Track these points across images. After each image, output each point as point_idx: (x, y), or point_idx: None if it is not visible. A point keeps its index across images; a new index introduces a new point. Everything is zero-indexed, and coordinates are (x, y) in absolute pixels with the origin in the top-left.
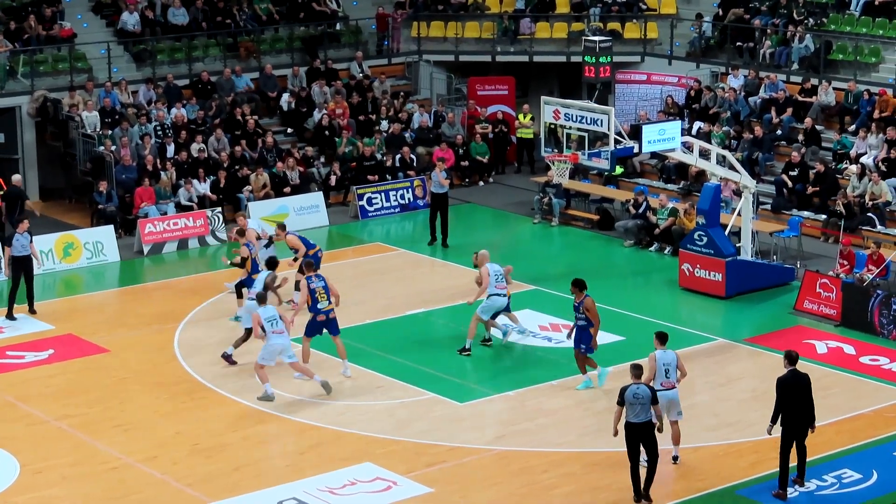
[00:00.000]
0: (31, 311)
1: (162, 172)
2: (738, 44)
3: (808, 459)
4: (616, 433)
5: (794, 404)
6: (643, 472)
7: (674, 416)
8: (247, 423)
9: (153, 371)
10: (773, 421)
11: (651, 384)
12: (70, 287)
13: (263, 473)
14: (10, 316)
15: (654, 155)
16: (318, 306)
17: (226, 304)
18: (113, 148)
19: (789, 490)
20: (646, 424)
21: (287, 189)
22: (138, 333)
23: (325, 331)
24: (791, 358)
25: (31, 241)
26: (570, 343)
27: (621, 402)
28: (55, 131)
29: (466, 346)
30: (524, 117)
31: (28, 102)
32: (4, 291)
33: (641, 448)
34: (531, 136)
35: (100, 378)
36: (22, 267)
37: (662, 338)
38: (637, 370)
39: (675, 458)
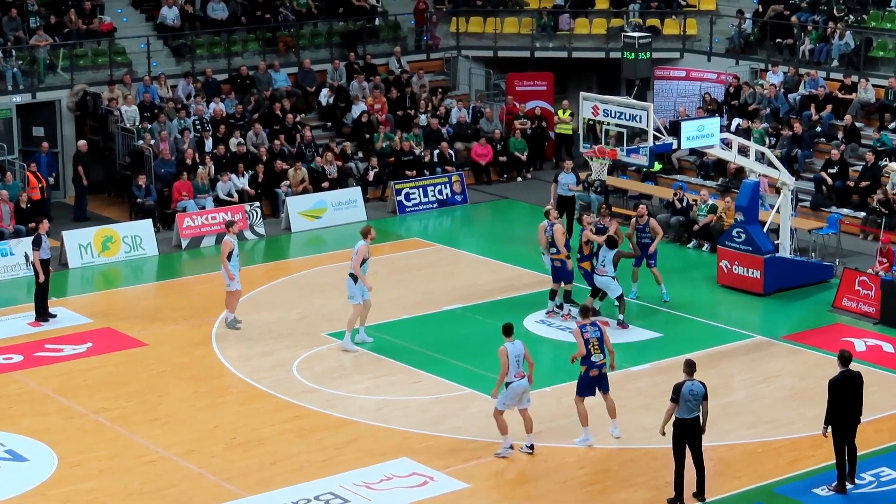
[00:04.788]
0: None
1: (200, 167)
2: (778, 40)
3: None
4: (664, 432)
5: (846, 405)
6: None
7: (524, 405)
8: (284, 418)
9: (191, 365)
10: (827, 423)
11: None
12: (108, 281)
13: (300, 468)
14: (46, 316)
15: (692, 151)
16: (592, 359)
17: (264, 297)
18: (152, 142)
19: (825, 488)
20: (695, 421)
21: (325, 184)
22: (176, 327)
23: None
24: (844, 358)
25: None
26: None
27: (676, 399)
28: (94, 125)
29: (525, 447)
30: (563, 113)
31: (68, 96)
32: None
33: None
34: (570, 132)
35: (137, 372)
36: (48, 267)
37: (507, 330)
38: (690, 367)
39: (531, 448)
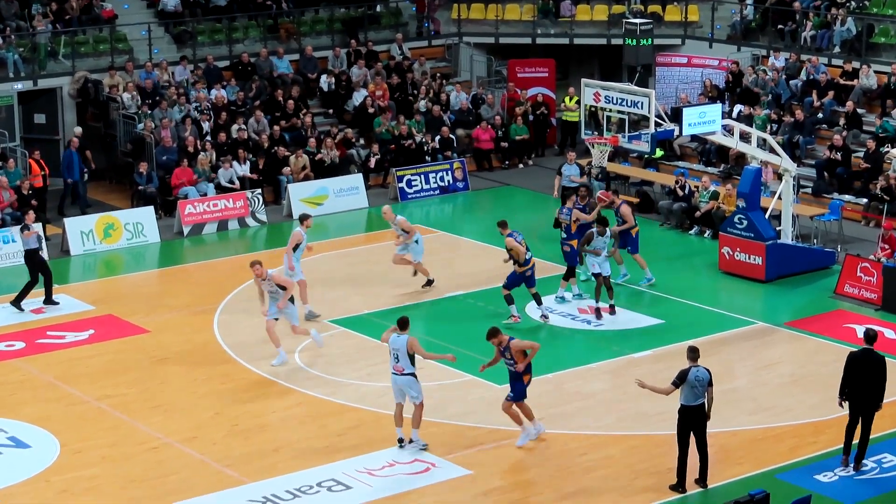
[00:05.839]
0: (15, 303)
1: (202, 153)
2: (780, 26)
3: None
4: (642, 384)
5: (862, 383)
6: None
7: (412, 400)
8: (286, 404)
9: (193, 352)
10: (840, 395)
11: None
12: (110, 268)
13: (302, 454)
14: (49, 301)
15: (694, 138)
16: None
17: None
18: (153, 129)
19: (839, 470)
20: (700, 408)
21: (325, 171)
22: (178, 314)
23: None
24: (868, 336)
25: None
26: (607, 325)
27: (679, 384)
28: (96, 112)
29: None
30: (570, 100)
31: (69, 83)
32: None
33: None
34: (576, 118)
35: (139, 359)
36: (33, 259)
37: (401, 323)
38: (694, 353)
39: (421, 444)
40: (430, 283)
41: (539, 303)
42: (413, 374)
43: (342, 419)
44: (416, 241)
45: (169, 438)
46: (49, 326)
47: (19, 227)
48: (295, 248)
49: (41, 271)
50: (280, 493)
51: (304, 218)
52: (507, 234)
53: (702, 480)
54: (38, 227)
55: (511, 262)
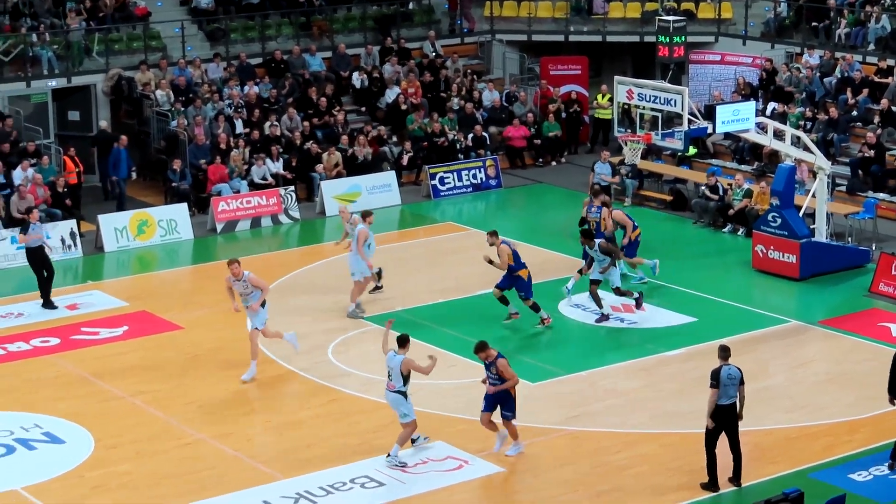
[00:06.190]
0: (45, 304)
1: (234, 150)
2: (814, 24)
3: (881, 443)
4: (711, 422)
5: None
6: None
7: (401, 418)
8: (319, 402)
9: (226, 348)
10: (889, 392)
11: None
12: (144, 264)
13: (336, 451)
14: (46, 305)
15: (727, 136)
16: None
17: (299, 281)
18: (186, 126)
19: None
20: (731, 407)
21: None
22: (211, 311)
23: None
24: None
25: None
26: (640, 323)
27: (717, 384)
28: (129, 109)
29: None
30: (602, 98)
31: (103, 81)
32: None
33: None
34: (609, 116)
35: (173, 355)
36: (36, 257)
37: (401, 341)
38: (725, 352)
39: (397, 461)
40: (378, 280)
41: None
42: (403, 393)
43: (376, 416)
44: (369, 246)
45: (202, 434)
46: (83, 322)
47: (20, 228)
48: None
49: (44, 268)
50: (313, 490)
51: (366, 214)
52: (500, 243)
53: (736, 479)
54: (39, 228)
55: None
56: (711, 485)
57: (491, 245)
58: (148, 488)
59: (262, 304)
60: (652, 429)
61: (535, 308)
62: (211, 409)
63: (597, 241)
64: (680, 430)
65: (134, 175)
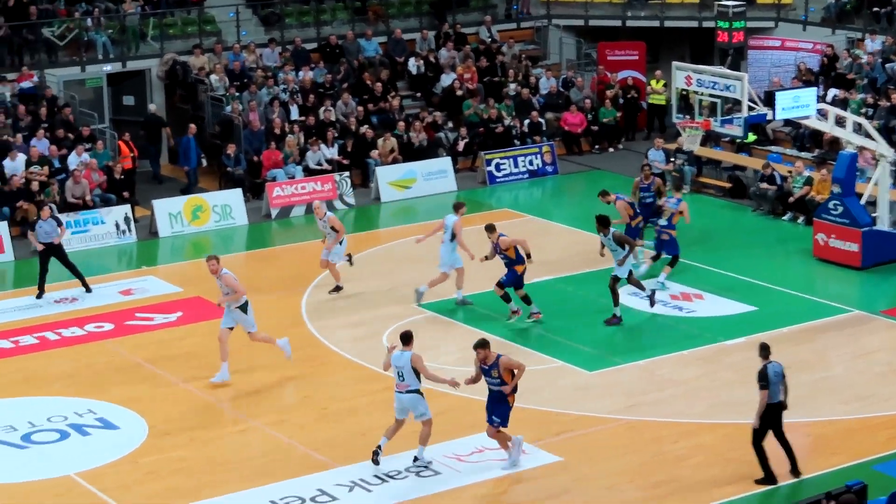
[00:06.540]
0: (87, 289)
1: (289, 135)
2: (875, 9)
3: None
4: (759, 425)
5: None
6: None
7: (418, 418)
8: (374, 388)
9: (280, 335)
10: None
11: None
12: (198, 250)
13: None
14: (38, 296)
15: (787, 122)
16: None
17: (354, 268)
18: (241, 111)
19: None
20: (779, 405)
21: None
22: (266, 297)
23: None
24: None
25: (61, 225)
26: (700, 312)
27: (766, 385)
28: (184, 94)
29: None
30: (656, 83)
31: (158, 65)
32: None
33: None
34: (664, 102)
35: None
36: (50, 253)
37: (404, 338)
38: (766, 350)
39: (425, 461)
40: (338, 289)
41: (528, 303)
42: (419, 391)
43: (431, 404)
44: (340, 244)
45: (256, 421)
46: (138, 308)
47: (28, 227)
48: (452, 238)
49: (58, 258)
50: (368, 478)
51: (458, 206)
52: (499, 235)
53: (795, 470)
54: (48, 226)
55: (503, 260)
56: (768, 478)
57: (501, 236)
58: (202, 474)
59: (245, 309)
60: (711, 419)
61: (527, 300)
62: (265, 395)
63: (611, 230)
64: (738, 421)
65: (204, 162)
